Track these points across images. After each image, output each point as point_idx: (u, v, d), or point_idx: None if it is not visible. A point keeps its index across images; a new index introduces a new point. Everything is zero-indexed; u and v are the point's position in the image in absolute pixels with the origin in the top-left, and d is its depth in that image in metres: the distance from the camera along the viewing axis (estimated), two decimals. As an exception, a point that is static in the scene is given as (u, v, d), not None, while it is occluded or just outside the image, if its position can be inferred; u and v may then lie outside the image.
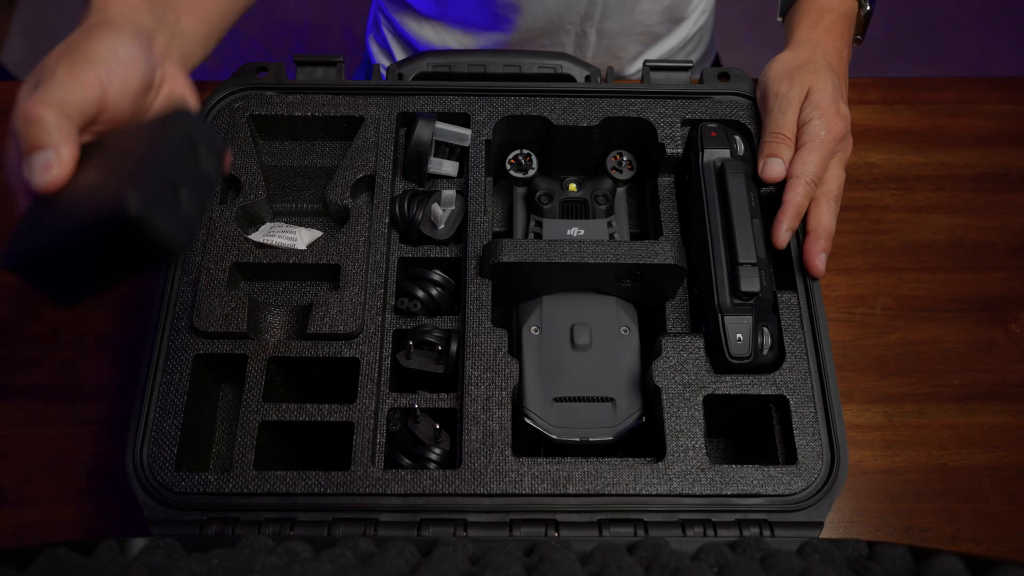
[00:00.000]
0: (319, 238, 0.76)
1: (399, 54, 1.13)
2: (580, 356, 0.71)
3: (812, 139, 0.74)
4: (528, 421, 0.69)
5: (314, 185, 0.79)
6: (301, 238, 0.75)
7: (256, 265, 0.73)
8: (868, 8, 0.87)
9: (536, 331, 0.72)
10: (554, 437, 0.68)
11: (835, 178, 0.75)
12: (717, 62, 1.25)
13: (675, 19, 1.06)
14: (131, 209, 0.46)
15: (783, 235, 0.72)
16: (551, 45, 1.04)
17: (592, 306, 0.73)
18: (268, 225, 0.77)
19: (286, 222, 0.79)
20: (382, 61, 1.16)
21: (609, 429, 0.69)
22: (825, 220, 0.73)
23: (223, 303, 0.69)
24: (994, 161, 0.99)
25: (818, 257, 0.72)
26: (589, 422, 0.69)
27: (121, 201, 0.46)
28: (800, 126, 0.76)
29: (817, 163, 0.74)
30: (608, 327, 0.72)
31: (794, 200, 0.73)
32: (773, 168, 0.74)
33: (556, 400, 0.70)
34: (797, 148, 0.75)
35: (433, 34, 1.06)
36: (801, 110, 0.76)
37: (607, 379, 0.70)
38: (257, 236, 0.75)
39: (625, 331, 0.73)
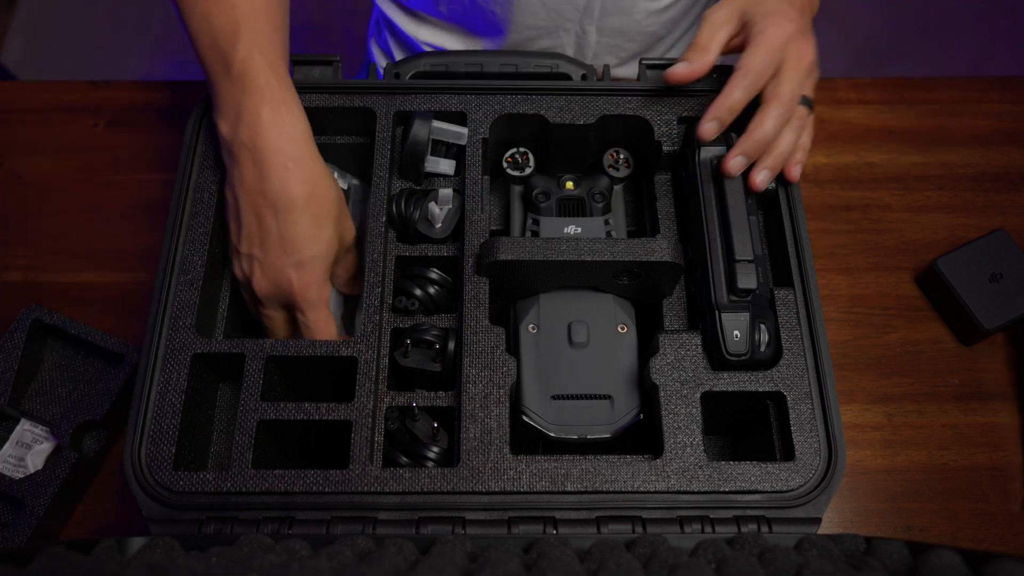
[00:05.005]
0: None
1: (399, 57, 1.13)
2: (577, 354, 0.71)
3: (755, 37, 0.71)
4: (526, 419, 0.69)
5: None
6: None
7: None
8: None
9: (534, 329, 0.72)
10: (552, 435, 0.68)
11: (788, 82, 0.71)
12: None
13: (674, 19, 1.06)
14: None
15: (705, 125, 0.72)
16: (552, 45, 1.04)
17: (589, 304, 0.73)
18: None
19: None
20: (382, 64, 1.16)
21: (607, 426, 0.69)
22: (766, 125, 0.71)
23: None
24: (994, 161, 0.99)
25: (734, 158, 0.71)
26: (587, 419, 0.69)
27: None
28: (742, 28, 0.74)
29: (763, 57, 0.71)
30: (605, 325, 0.72)
31: (728, 92, 0.71)
32: (676, 67, 0.73)
33: (554, 398, 0.69)
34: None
35: (432, 36, 1.07)
36: (739, 20, 0.74)
37: (605, 377, 0.70)
38: None
39: (622, 329, 0.73)
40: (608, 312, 0.73)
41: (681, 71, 0.73)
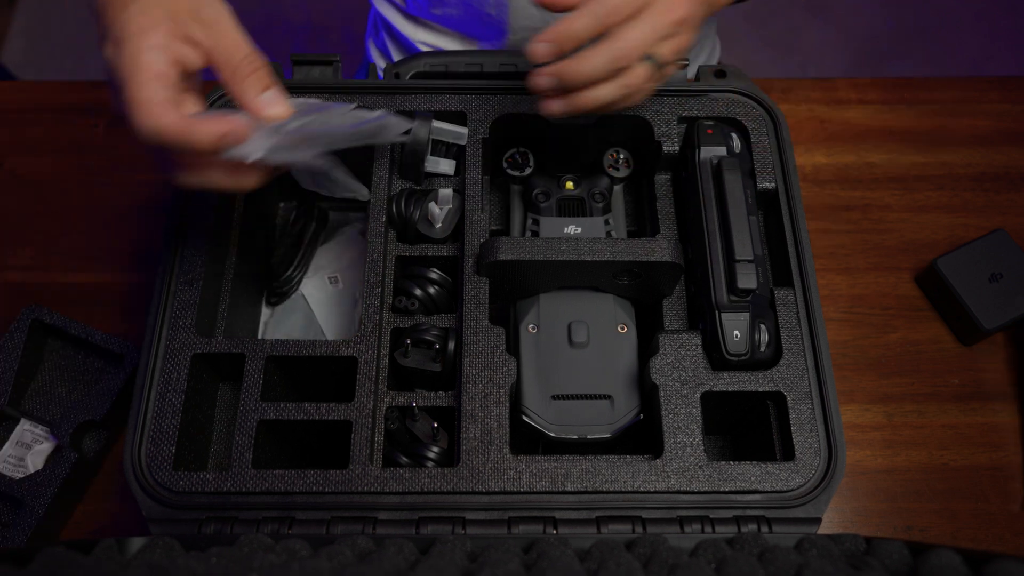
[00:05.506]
0: None
1: (397, 58, 1.13)
2: (577, 354, 0.71)
3: None
4: (526, 419, 0.69)
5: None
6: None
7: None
8: None
9: (534, 329, 0.72)
10: (552, 435, 0.68)
11: (636, 29, 0.61)
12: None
13: None
14: None
15: (536, 44, 0.61)
16: None
17: (589, 304, 0.73)
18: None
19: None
20: (381, 65, 1.16)
21: (607, 426, 0.69)
22: (590, 62, 0.62)
23: None
24: (994, 161, 0.99)
25: (541, 75, 0.63)
26: (587, 420, 0.69)
27: None
28: None
29: None
30: (605, 325, 0.73)
31: (574, 17, 0.61)
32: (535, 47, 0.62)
33: (554, 398, 0.70)
34: None
35: (429, 38, 1.06)
36: None
37: (605, 377, 0.71)
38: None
39: (622, 328, 0.73)
40: (608, 312, 0.73)
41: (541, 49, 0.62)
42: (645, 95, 0.67)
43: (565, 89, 0.64)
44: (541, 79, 0.64)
